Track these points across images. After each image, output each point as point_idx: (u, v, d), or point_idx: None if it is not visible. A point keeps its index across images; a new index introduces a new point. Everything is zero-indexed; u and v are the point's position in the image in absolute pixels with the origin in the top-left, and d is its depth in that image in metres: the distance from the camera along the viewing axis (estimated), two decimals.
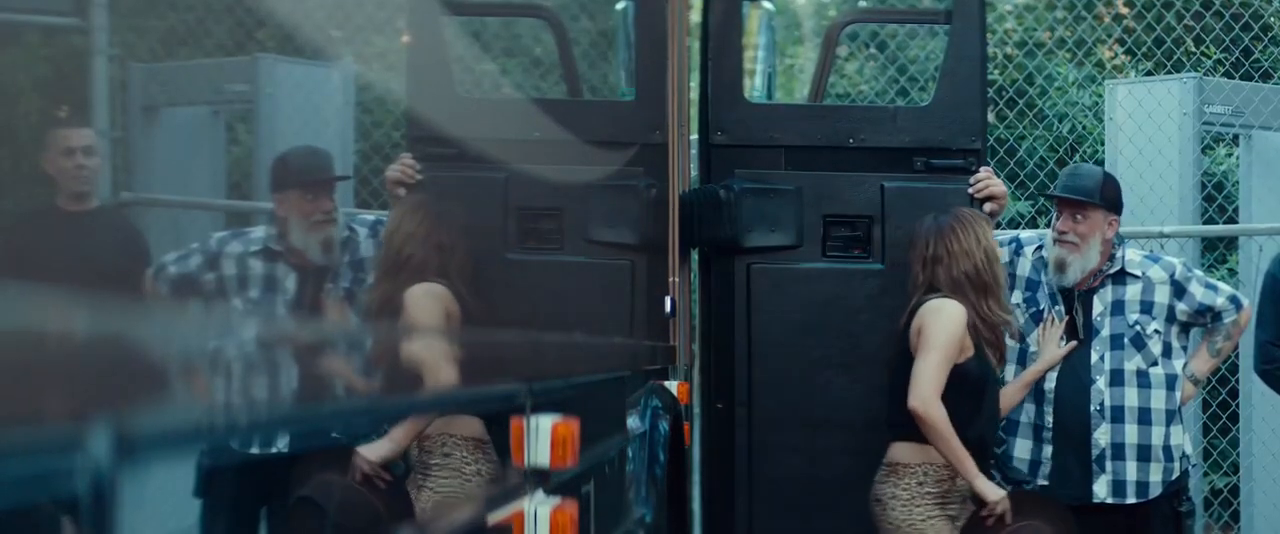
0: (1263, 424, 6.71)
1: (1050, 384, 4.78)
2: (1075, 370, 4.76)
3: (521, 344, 2.96)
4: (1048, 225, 7.54)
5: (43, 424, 1.07)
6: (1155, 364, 4.75)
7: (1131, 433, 4.73)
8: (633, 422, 3.96)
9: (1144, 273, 4.80)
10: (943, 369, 4.25)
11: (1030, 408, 4.80)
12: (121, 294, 3.45)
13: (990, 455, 4.52)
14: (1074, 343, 4.73)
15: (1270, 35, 7.97)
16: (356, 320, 4.08)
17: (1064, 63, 8.20)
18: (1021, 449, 4.82)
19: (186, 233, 4.01)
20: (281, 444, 3.69)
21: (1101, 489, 4.72)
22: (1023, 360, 4.80)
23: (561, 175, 4.58)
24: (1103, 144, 7.10)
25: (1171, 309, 4.79)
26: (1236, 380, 6.76)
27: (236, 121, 4.86)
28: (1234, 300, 4.93)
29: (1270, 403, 6.23)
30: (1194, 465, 5.55)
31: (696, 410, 5.26)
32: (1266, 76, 7.71)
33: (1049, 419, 4.76)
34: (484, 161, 4.56)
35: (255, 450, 3.72)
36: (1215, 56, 7.87)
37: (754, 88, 6.25)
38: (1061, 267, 4.76)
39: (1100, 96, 7.44)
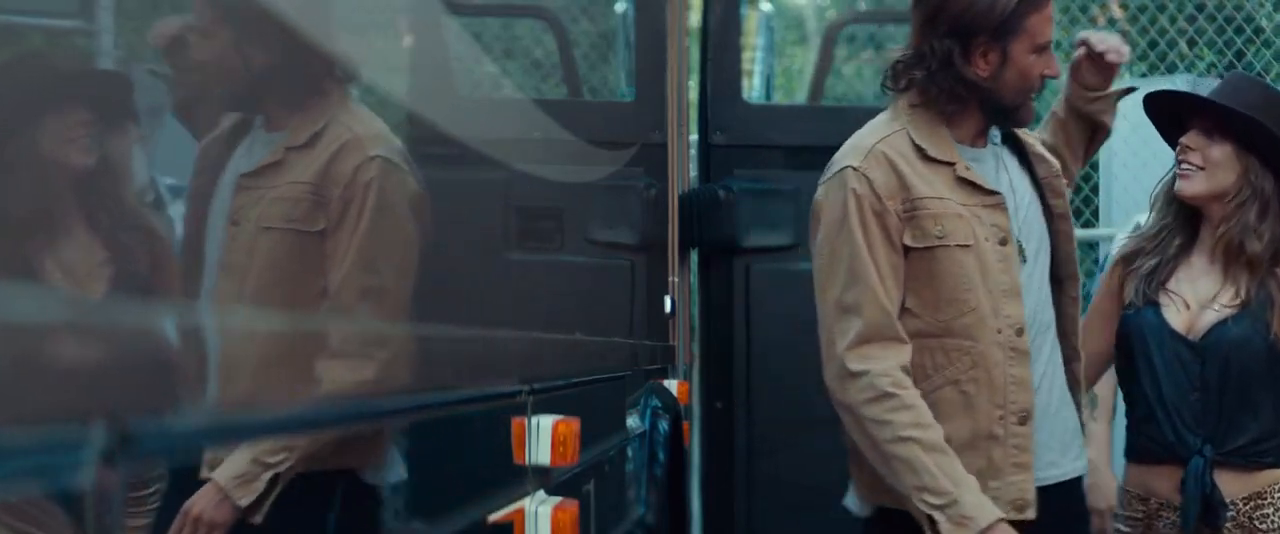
0: None
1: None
2: None
3: (522, 344, 2.97)
4: None
5: (43, 424, 1.08)
6: None
7: None
8: (633, 421, 3.96)
9: None
10: None
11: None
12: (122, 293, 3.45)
13: None
14: None
15: (1263, 38, 7.97)
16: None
17: (1059, 64, 8.21)
18: None
19: None
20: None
21: None
22: None
23: (561, 175, 4.58)
24: None
25: None
26: None
27: None
28: None
29: None
30: None
31: (696, 410, 5.27)
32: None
33: None
34: (483, 162, 4.57)
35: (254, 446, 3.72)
36: (1208, 59, 7.88)
37: (753, 88, 6.26)
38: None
39: None
